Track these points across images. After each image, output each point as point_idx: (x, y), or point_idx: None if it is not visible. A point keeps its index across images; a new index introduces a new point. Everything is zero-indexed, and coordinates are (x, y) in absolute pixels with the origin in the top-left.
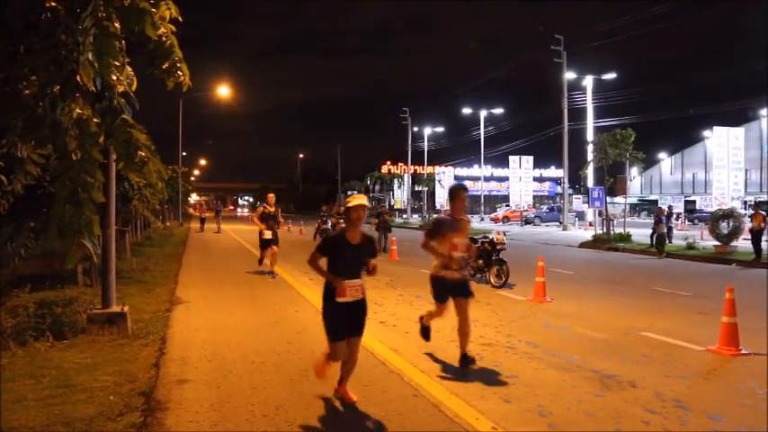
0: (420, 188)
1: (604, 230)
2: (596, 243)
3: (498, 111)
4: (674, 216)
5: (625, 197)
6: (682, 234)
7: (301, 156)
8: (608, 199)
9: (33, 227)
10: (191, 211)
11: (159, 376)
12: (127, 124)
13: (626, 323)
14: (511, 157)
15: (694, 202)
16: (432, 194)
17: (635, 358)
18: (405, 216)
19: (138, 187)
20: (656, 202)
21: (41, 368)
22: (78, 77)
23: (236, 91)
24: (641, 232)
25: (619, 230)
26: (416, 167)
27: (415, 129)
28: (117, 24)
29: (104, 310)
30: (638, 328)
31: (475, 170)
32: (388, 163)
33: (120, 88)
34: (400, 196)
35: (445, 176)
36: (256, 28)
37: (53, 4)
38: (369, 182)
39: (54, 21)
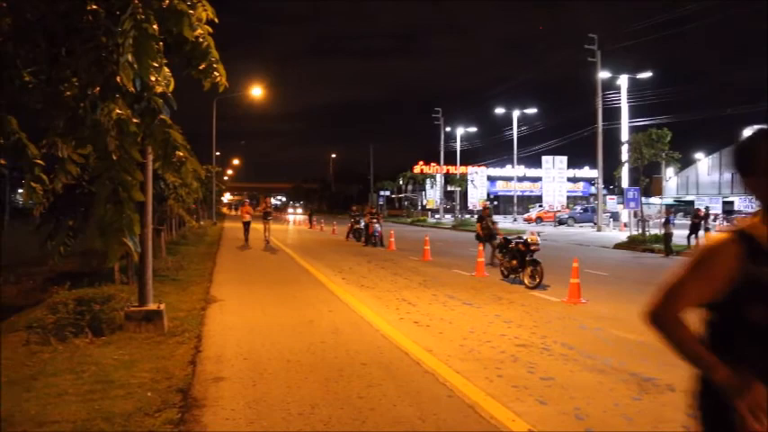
0: (452, 188)
1: (639, 231)
2: (631, 244)
3: (531, 111)
4: (712, 217)
5: (661, 198)
6: None
7: (333, 156)
8: (643, 200)
9: (72, 225)
10: (224, 210)
11: (195, 374)
12: (165, 124)
13: None
14: (544, 158)
15: (732, 202)
16: (464, 195)
17: (673, 361)
18: (437, 216)
19: (173, 187)
20: (692, 202)
21: (81, 364)
22: (118, 78)
23: (268, 92)
24: (677, 233)
25: (654, 231)
26: (449, 167)
27: (448, 129)
28: (155, 26)
29: (141, 307)
30: None
31: (508, 170)
32: (421, 163)
33: (159, 89)
34: (433, 196)
35: (478, 176)
36: (287, 30)
37: (94, 6)
38: (401, 182)
39: (95, 23)
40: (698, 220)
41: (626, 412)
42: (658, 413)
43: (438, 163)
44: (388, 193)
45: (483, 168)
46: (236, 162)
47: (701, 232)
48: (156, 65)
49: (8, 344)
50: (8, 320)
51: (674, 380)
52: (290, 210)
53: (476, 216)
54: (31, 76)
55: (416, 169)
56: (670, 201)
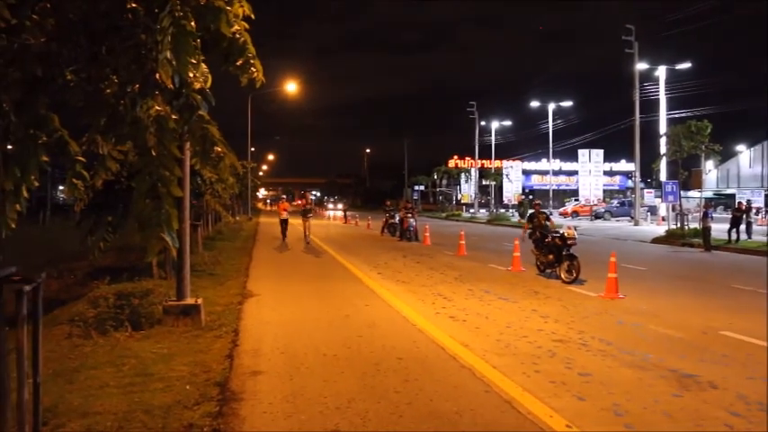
0: (487, 182)
1: (678, 226)
2: (670, 238)
3: (567, 104)
4: (754, 211)
5: (700, 191)
6: (762, 229)
7: (368, 151)
8: (682, 193)
9: (111, 221)
10: (260, 205)
11: (233, 367)
12: (203, 120)
13: (703, 321)
14: (580, 151)
15: None
16: (499, 189)
17: (714, 358)
18: (472, 211)
19: (210, 182)
20: (733, 196)
21: (121, 357)
22: (157, 75)
23: (301, 87)
24: (717, 227)
25: (694, 225)
26: (483, 162)
27: (482, 123)
28: (193, 23)
29: (179, 302)
30: (716, 326)
31: (543, 164)
32: (455, 157)
33: (197, 85)
34: (467, 191)
35: (513, 171)
36: (319, 26)
37: (134, 5)
38: (436, 176)
39: (134, 21)
40: (739, 214)
41: (666, 409)
42: (700, 410)
43: (473, 157)
44: (422, 187)
45: (518, 162)
46: (270, 157)
47: (743, 226)
48: (194, 61)
49: (51, 337)
50: (51, 314)
51: (715, 377)
52: (331, 206)
53: (512, 210)
54: (73, 75)
55: (451, 164)
56: (709, 194)
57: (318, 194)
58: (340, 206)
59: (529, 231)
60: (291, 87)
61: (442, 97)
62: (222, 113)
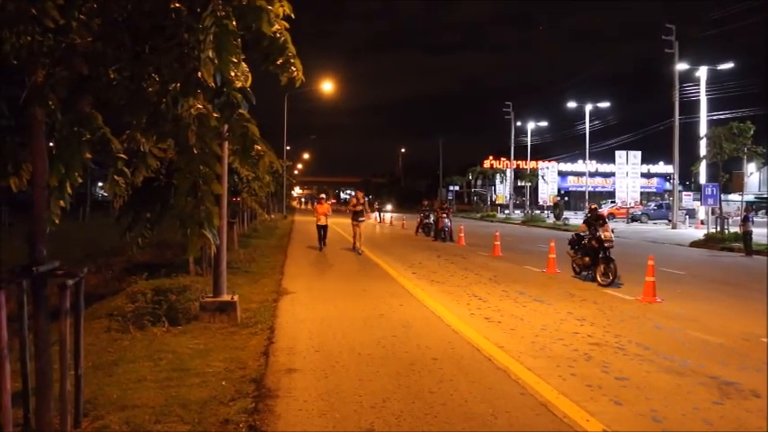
0: (523, 183)
1: (718, 229)
2: (709, 242)
3: (604, 104)
4: None
5: (741, 194)
6: None
7: (402, 150)
8: (722, 196)
9: (149, 217)
10: (294, 204)
11: (268, 364)
12: (243, 119)
13: (744, 328)
14: (617, 152)
15: None
16: (535, 190)
17: (756, 366)
18: (507, 211)
19: (246, 180)
20: None
21: (159, 351)
22: (199, 74)
23: (337, 87)
24: (759, 231)
25: (734, 230)
26: (519, 162)
27: (518, 123)
28: (234, 22)
29: (215, 298)
30: (757, 333)
31: (579, 165)
32: (491, 158)
33: (238, 84)
34: (502, 191)
35: (549, 172)
36: (353, 25)
37: (177, 5)
38: (470, 177)
39: (177, 21)
40: None
41: (706, 417)
42: (741, 419)
43: (508, 158)
44: (457, 188)
45: (554, 163)
46: (305, 156)
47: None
48: (236, 60)
49: (91, 330)
50: (90, 308)
51: (758, 385)
52: (376, 205)
53: (547, 212)
54: (116, 74)
55: (486, 164)
56: (751, 198)
57: (353, 193)
58: (389, 207)
59: (582, 234)
60: (327, 87)
61: (477, 97)
62: (257, 112)
